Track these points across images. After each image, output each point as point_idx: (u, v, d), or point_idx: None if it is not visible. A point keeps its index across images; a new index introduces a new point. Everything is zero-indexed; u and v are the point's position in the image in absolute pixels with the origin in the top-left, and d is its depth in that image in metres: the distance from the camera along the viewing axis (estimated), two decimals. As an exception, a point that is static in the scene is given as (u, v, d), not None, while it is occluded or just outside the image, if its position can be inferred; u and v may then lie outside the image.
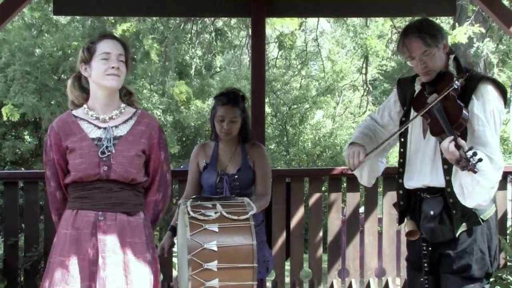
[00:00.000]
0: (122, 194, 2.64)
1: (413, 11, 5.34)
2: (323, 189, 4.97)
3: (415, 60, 2.78)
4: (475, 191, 2.59)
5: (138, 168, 2.68)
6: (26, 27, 12.53)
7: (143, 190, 2.75)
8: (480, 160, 2.43)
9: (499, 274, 4.44)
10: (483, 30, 8.23)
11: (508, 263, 4.49)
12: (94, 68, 2.63)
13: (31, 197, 4.44)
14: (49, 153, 2.68)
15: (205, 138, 14.15)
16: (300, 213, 4.61)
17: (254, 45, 4.63)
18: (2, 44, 12.70)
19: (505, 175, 4.74)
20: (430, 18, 2.95)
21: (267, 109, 16.48)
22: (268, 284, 4.94)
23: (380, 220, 4.89)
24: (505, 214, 4.65)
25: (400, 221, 3.07)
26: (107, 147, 2.61)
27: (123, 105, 2.74)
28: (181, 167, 13.59)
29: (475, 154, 2.43)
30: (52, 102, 12.36)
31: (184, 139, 16.42)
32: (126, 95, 2.78)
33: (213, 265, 2.69)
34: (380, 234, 4.79)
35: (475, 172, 2.45)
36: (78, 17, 12.03)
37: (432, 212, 2.80)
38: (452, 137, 2.51)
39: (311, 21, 12.13)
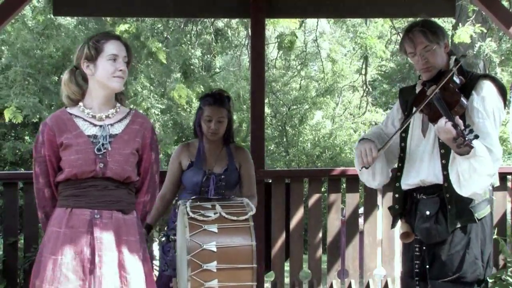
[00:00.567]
0: (117, 192, 2.63)
1: (413, 12, 5.34)
2: (322, 189, 4.97)
3: (417, 56, 2.83)
4: (472, 178, 2.60)
5: (133, 166, 2.68)
6: (28, 29, 12.54)
7: (135, 189, 2.75)
8: (476, 136, 2.46)
9: (499, 275, 4.44)
10: (485, 30, 8.21)
11: (508, 264, 4.49)
12: (100, 67, 2.62)
13: (30, 197, 4.42)
14: (40, 149, 2.64)
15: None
16: (299, 213, 4.61)
17: (253, 46, 4.63)
18: (3, 45, 12.72)
19: (505, 175, 4.74)
20: (431, 19, 2.98)
21: (267, 110, 16.47)
22: (268, 284, 4.95)
23: (379, 221, 4.89)
24: (504, 215, 4.65)
25: (393, 225, 3.10)
26: (103, 144, 2.60)
27: (118, 104, 2.73)
28: None
29: (471, 131, 2.46)
30: (53, 103, 12.37)
31: (184, 139, 16.43)
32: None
33: (213, 265, 2.69)
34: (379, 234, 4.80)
35: (471, 148, 2.47)
36: (80, 21, 12.06)
37: (428, 212, 2.80)
38: (447, 117, 2.54)
39: (311, 22, 12.13)
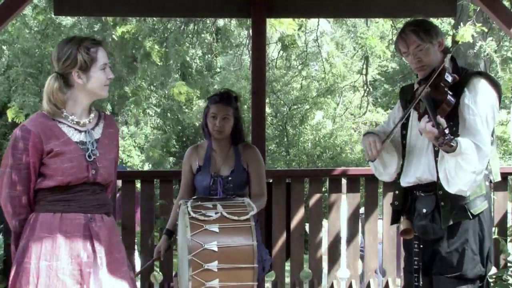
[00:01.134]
0: (102, 196, 2.68)
1: (414, 12, 5.33)
2: (323, 189, 4.97)
3: (410, 55, 2.88)
4: (458, 175, 2.64)
5: (114, 169, 2.75)
6: (29, 30, 12.54)
7: None
8: (454, 138, 2.52)
9: (499, 275, 4.44)
10: (486, 30, 8.21)
11: (508, 264, 4.49)
12: (93, 78, 2.58)
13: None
14: (21, 156, 2.54)
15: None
16: (300, 213, 4.61)
17: (254, 46, 4.63)
18: (4, 45, 12.70)
19: (505, 175, 4.74)
20: (431, 19, 3.02)
21: (267, 110, 16.45)
22: (268, 284, 4.94)
23: (380, 221, 4.89)
24: (505, 215, 4.64)
25: (393, 221, 3.13)
26: (92, 150, 2.61)
27: (92, 107, 2.72)
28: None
29: (450, 131, 2.52)
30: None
31: (184, 139, 16.43)
32: None
33: (214, 265, 2.70)
34: (380, 234, 4.79)
35: (451, 146, 2.52)
36: (81, 21, 12.02)
37: (424, 210, 2.85)
38: (429, 117, 2.59)
39: (312, 22, 12.11)
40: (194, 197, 3.11)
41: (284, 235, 4.58)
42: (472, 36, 7.71)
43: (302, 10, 4.85)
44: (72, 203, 2.58)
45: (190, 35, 11.95)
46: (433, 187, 2.83)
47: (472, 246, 2.81)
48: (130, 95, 11.74)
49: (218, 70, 17.07)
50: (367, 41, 10.66)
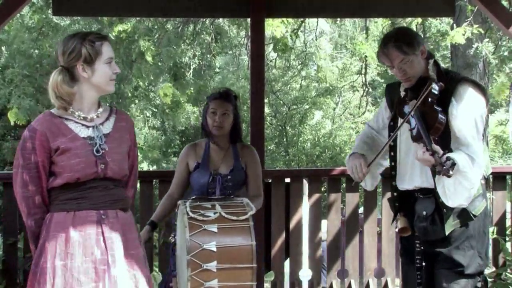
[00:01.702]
0: (116, 191, 2.63)
1: (412, 12, 5.36)
2: (322, 189, 4.97)
3: (395, 68, 2.86)
4: (457, 191, 2.68)
5: (127, 164, 2.69)
6: (26, 29, 12.51)
7: None
8: (453, 164, 2.52)
9: (498, 273, 4.45)
10: (482, 31, 8.23)
11: (508, 263, 4.49)
12: (98, 71, 2.57)
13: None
14: (30, 156, 2.55)
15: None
16: (299, 213, 4.61)
17: (253, 46, 4.63)
18: (1, 45, 12.70)
19: (504, 175, 4.75)
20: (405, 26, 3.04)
21: (267, 110, 16.46)
22: (268, 284, 4.95)
23: (379, 221, 4.89)
24: (504, 215, 4.65)
25: (394, 220, 3.17)
26: (100, 145, 2.58)
27: (102, 103, 2.71)
28: None
29: (448, 158, 2.53)
30: (52, 104, 12.34)
31: (184, 139, 16.43)
32: None
33: (213, 265, 2.69)
34: (379, 234, 4.79)
35: (449, 177, 2.55)
36: (77, 20, 12.03)
37: (424, 213, 2.87)
38: (424, 146, 2.62)
39: (311, 22, 12.12)
40: (193, 197, 3.10)
41: (283, 234, 4.58)
42: (468, 37, 7.74)
43: (301, 10, 4.85)
44: (83, 200, 2.56)
45: (188, 36, 11.94)
46: (432, 191, 2.85)
47: (472, 243, 2.85)
48: (129, 95, 11.75)
49: (217, 70, 17.07)
50: (357, 46, 10.66)
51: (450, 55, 9.91)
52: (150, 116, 14.11)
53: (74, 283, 2.49)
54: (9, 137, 14.38)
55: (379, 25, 12.40)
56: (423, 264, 2.94)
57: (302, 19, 9.79)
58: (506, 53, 8.93)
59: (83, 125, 2.60)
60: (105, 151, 2.58)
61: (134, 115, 14.05)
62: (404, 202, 3.02)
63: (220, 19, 11.54)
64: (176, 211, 3.28)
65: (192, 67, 12.71)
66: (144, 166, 15.81)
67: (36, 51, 12.67)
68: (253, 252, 2.74)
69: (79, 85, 2.59)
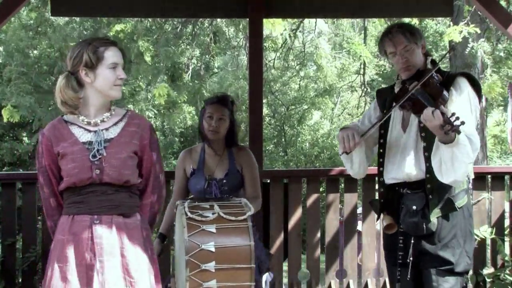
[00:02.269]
0: (117, 197, 2.61)
1: (411, 12, 5.36)
2: (321, 190, 4.97)
3: (396, 56, 2.97)
4: (454, 166, 2.72)
5: (132, 169, 2.65)
6: (23, 27, 12.51)
7: (138, 191, 2.73)
8: (463, 123, 2.58)
9: (497, 274, 4.45)
10: (479, 31, 8.24)
11: (506, 264, 4.50)
12: (100, 76, 2.58)
13: (29, 198, 4.44)
14: (41, 160, 2.64)
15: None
16: (298, 214, 4.61)
17: (251, 46, 4.63)
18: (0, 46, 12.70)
19: (503, 175, 4.75)
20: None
21: (265, 110, 16.48)
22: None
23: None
24: (502, 215, 4.65)
25: (378, 218, 3.24)
26: (98, 150, 2.58)
27: (113, 107, 2.71)
28: None
29: (458, 118, 2.58)
30: (51, 104, 12.36)
31: (182, 139, 16.44)
32: None
33: (211, 266, 2.69)
34: (377, 234, 4.80)
35: (459, 133, 2.60)
36: (74, 19, 12.02)
37: (414, 207, 2.91)
38: (433, 107, 2.67)
39: (310, 22, 12.12)
40: (191, 197, 3.10)
41: (282, 235, 4.58)
42: (464, 37, 7.77)
43: (299, 10, 4.86)
44: (81, 205, 2.58)
45: (187, 36, 11.94)
46: (421, 185, 2.91)
47: (460, 241, 2.92)
48: (127, 95, 11.74)
49: (215, 70, 17.07)
50: (353, 46, 10.68)
51: (448, 55, 9.92)
52: (152, 117, 14.09)
53: (68, 286, 2.51)
54: (7, 137, 14.37)
55: (378, 26, 12.43)
56: (408, 261, 2.96)
57: (300, 19, 9.80)
58: (502, 53, 8.95)
59: (85, 129, 2.62)
60: (103, 156, 2.58)
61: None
62: (389, 200, 3.07)
63: (219, 20, 11.54)
64: (171, 215, 3.28)
65: (190, 68, 12.72)
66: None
67: (34, 49, 12.67)
68: (252, 252, 2.74)
69: (85, 90, 2.62)
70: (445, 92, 2.80)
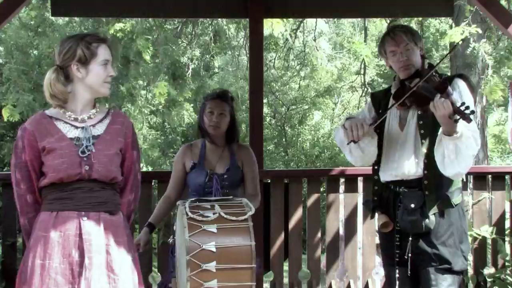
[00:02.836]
0: (103, 194, 2.61)
1: (412, 12, 5.36)
2: (321, 189, 4.97)
3: (397, 55, 3.02)
4: (457, 158, 2.77)
5: (118, 167, 2.67)
6: (22, 26, 12.50)
7: (119, 190, 2.73)
8: (472, 111, 2.63)
9: (497, 275, 4.44)
10: (480, 31, 8.24)
11: (507, 264, 4.49)
12: (92, 72, 2.58)
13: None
14: (21, 155, 2.59)
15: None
16: (298, 213, 4.61)
17: (252, 46, 4.63)
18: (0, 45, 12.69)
19: (503, 175, 4.75)
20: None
21: (266, 110, 16.47)
22: (267, 285, 4.94)
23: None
24: (503, 215, 4.65)
25: (372, 216, 3.29)
26: (86, 146, 2.57)
27: (97, 104, 2.71)
28: None
29: (467, 107, 2.63)
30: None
31: (183, 140, 16.42)
32: None
33: (212, 266, 2.69)
34: (378, 234, 4.79)
35: (469, 121, 2.64)
36: (73, 19, 12.01)
37: (412, 205, 2.94)
38: (441, 95, 2.72)
39: (310, 22, 12.12)
40: (192, 198, 3.10)
41: (282, 235, 4.58)
42: (466, 37, 7.77)
43: (299, 10, 4.85)
44: (67, 201, 2.56)
45: (187, 36, 11.94)
46: (418, 183, 2.95)
47: (456, 240, 2.96)
48: (125, 94, 11.73)
49: (216, 70, 17.06)
50: (353, 45, 10.68)
51: (449, 56, 9.91)
52: (152, 115, 14.07)
53: (50, 283, 2.49)
54: (8, 137, 14.36)
55: (378, 26, 12.43)
56: (406, 258, 2.99)
57: (300, 19, 9.79)
58: (502, 52, 8.95)
59: (72, 125, 2.61)
60: (92, 153, 2.58)
61: (133, 115, 14.04)
62: (384, 198, 3.09)
63: (219, 20, 11.54)
64: (175, 212, 3.28)
65: (191, 67, 12.71)
66: (143, 167, 15.81)
67: (33, 48, 12.66)
68: (252, 252, 2.74)
69: (73, 85, 2.61)
70: (449, 87, 2.85)
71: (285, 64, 14.78)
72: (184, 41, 12.12)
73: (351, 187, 4.73)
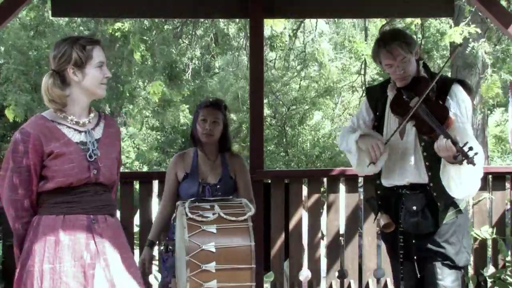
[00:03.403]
0: (105, 197, 2.65)
1: (411, 12, 5.36)
2: (321, 190, 4.97)
3: (393, 67, 2.99)
4: (463, 184, 2.80)
5: (115, 169, 2.73)
6: (22, 26, 12.51)
7: None
8: (476, 153, 2.63)
9: (498, 275, 4.44)
10: (479, 31, 8.24)
11: (507, 264, 4.49)
12: (89, 75, 2.58)
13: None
14: (22, 160, 2.53)
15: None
16: (298, 214, 4.60)
17: (252, 46, 4.62)
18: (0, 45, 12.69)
19: (504, 175, 4.75)
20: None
21: (266, 110, 16.48)
22: (267, 285, 4.94)
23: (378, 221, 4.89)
24: (503, 215, 4.64)
25: (376, 215, 3.27)
26: (93, 150, 2.59)
27: (92, 107, 2.72)
28: None
29: (471, 148, 2.63)
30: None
31: (184, 140, 16.44)
32: None
33: (211, 266, 2.69)
34: (378, 234, 4.79)
35: (474, 165, 2.65)
36: (74, 19, 12.02)
37: (414, 207, 2.97)
38: (445, 136, 2.71)
39: (310, 22, 12.11)
40: (192, 199, 3.10)
41: (283, 235, 4.57)
42: (465, 37, 7.77)
43: (300, 10, 4.84)
44: (74, 204, 2.57)
45: (187, 36, 11.93)
46: (421, 187, 2.99)
47: (459, 237, 3.01)
48: (126, 94, 11.73)
49: (216, 70, 17.06)
50: (355, 45, 10.68)
51: (449, 55, 9.92)
52: (150, 114, 14.07)
53: (62, 287, 2.49)
54: (8, 138, 14.37)
55: (379, 25, 12.41)
56: (412, 256, 3.04)
57: (301, 19, 9.79)
58: (500, 54, 8.95)
59: (75, 130, 2.61)
60: (98, 157, 2.60)
61: (133, 115, 14.04)
62: (386, 200, 3.12)
63: (220, 20, 11.54)
64: (173, 223, 3.29)
65: (190, 68, 12.71)
66: (143, 167, 15.80)
67: (32, 48, 12.66)
68: (252, 252, 2.74)
69: (71, 89, 2.60)
70: (450, 112, 2.84)
71: (285, 64, 14.79)
72: (184, 41, 12.11)
73: (351, 187, 4.72)
